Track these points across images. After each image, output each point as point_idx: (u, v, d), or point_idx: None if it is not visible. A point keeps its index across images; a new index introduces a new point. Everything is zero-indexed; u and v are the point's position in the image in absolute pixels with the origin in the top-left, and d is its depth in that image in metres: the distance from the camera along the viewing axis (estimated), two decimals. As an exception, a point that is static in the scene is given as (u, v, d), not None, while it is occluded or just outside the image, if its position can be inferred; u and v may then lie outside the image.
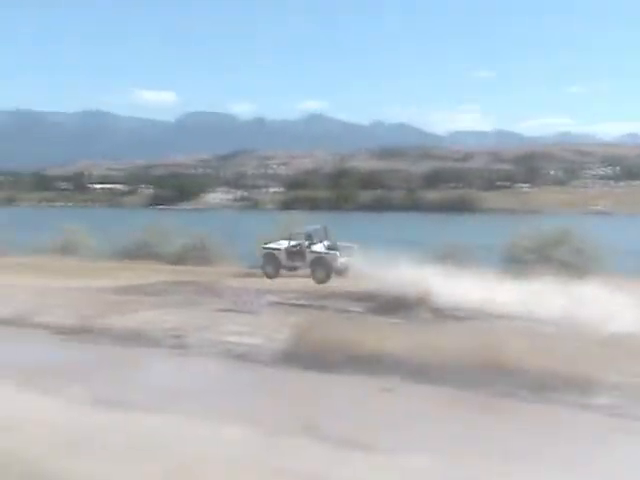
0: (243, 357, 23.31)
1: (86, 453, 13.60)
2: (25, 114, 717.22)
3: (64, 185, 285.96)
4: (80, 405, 17.68)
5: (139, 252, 54.87)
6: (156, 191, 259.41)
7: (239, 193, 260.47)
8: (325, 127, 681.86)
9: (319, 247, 35.35)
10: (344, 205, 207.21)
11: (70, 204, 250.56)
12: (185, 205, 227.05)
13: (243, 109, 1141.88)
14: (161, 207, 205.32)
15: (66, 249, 55.63)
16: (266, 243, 37.54)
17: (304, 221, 53.61)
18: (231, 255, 56.18)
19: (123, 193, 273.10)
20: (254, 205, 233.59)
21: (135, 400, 17.68)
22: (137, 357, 23.97)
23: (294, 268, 35.62)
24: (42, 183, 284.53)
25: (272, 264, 36.13)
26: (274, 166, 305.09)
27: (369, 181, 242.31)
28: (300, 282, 37.43)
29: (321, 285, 35.66)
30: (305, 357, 22.27)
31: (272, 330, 25.47)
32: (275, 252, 36.06)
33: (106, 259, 53.50)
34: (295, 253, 35.23)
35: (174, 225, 61.91)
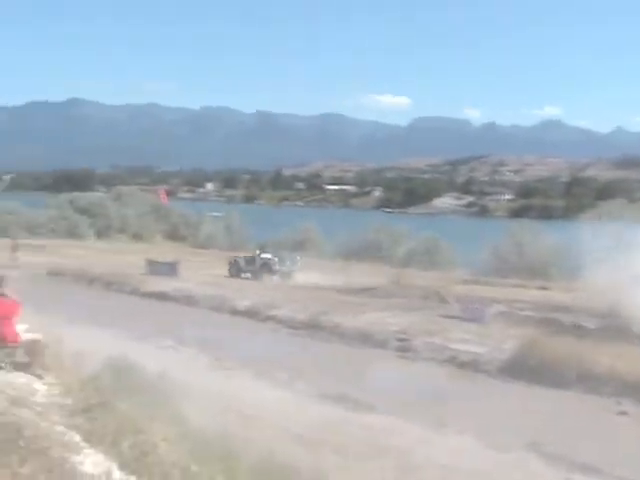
0: (468, 365, 23.00)
1: (317, 445, 13.93)
2: (265, 116, 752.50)
3: (299, 185, 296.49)
4: (308, 398, 18.23)
5: (367, 253, 55.85)
6: (386, 194, 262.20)
7: (468, 199, 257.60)
8: (561, 134, 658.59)
9: (266, 255, 42.99)
10: (579, 215, 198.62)
11: (303, 203, 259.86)
12: (413, 209, 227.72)
13: (476, 114, 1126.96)
14: (389, 210, 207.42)
15: (300, 246, 57.70)
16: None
17: (534, 229, 52.27)
18: (458, 261, 55.82)
19: (354, 194, 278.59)
20: (483, 212, 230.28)
21: (360, 398, 17.96)
22: (363, 357, 24.28)
23: (250, 271, 42.10)
24: (279, 183, 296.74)
25: (235, 268, 42.66)
26: (506, 173, 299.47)
27: (607, 191, 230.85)
28: (531, 293, 36.48)
29: (552, 297, 34.73)
30: (532, 370, 21.60)
31: (498, 340, 24.94)
32: (238, 260, 43.29)
33: (334, 258, 54.87)
34: (250, 261, 42.70)
35: (402, 228, 62.52)
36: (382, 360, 24.01)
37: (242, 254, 45.46)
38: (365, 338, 26.15)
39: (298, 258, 44.49)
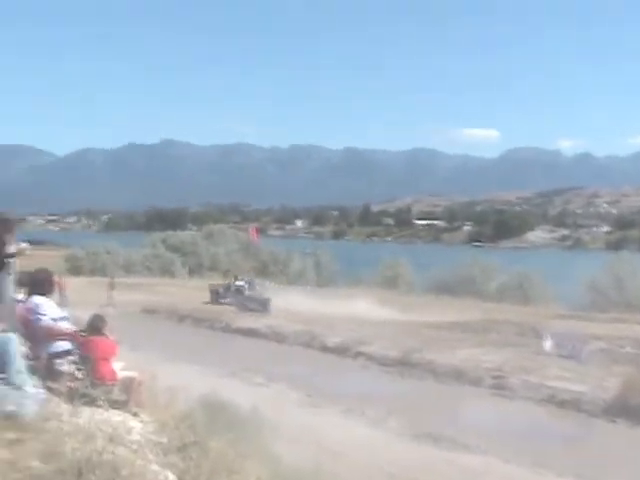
0: (567, 404, 22.21)
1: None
2: (353, 152, 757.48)
3: (388, 220, 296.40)
4: (400, 437, 17.95)
5: (458, 288, 55.16)
6: (476, 228, 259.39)
7: (562, 232, 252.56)
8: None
9: (239, 283, 46.75)
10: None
11: (391, 239, 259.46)
12: (505, 243, 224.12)
13: (568, 145, 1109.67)
14: (480, 244, 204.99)
15: (389, 282, 57.40)
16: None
17: (633, 262, 50.69)
18: (553, 295, 54.52)
19: (444, 229, 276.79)
20: (577, 244, 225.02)
21: (454, 438, 17.55)
22: (456, 395, 23.80)
23: (226, 297, 44.76)
24: (368, 218, 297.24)
25: (214, 296, 45.36)
26: (602, 204, 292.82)
27: None
28: (632, 328, 35.24)
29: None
30: (636, 411, 20.78)
31: (598, 378, 24.09)
32: (217, 288, 46.32)
33: (425, 293, 54.37)
34: (227, 288, 46.09)
35: (494, 263, 61.59)
36: (476, 398, 23.48)
37: (220, 282, 49.34)
38: (458, 375, 25.62)
39: (269, 284, 50.92)
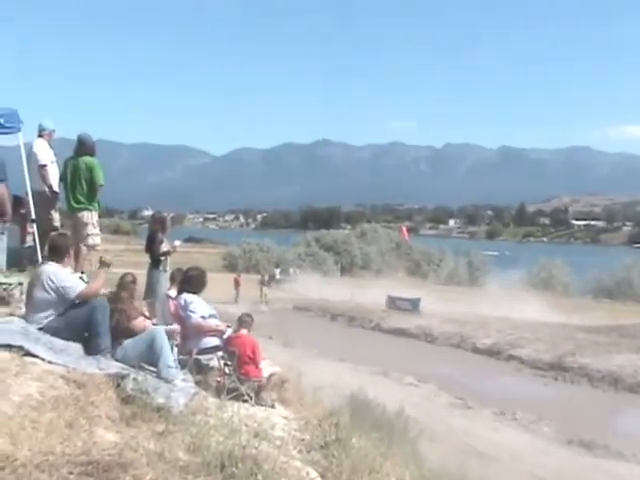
0: None
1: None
2: (508, 151, 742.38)
3: (544, 220, 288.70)
4: (552, 442, 17.50)
5: (617, 291, 53.08)
6: (637, 229, 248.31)
7: None
8: None
9: (277, 270, 62.77)
10: None
11: (547, 240, 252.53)
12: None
13: None
14: (639, 246, 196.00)
15: (544, 284, 55.93)
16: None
17: None
18: None
19: (602, 230, 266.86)
20: None
21: (609, 445, 16.93)
22: (611, 401, 22.98)
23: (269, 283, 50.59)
24: (523, 218, 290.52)
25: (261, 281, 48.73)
26: None
27: None
28: None
29: None
30: None
31: None
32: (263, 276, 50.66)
33: (582, 296, 52.67)
34: (270, 276, 54.08)
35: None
36: (634, 406, 22.57)
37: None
38: (615, 381, 24.70)
39: (294, 271, 64.20)
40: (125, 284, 7.17)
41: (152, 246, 9.90)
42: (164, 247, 9.86)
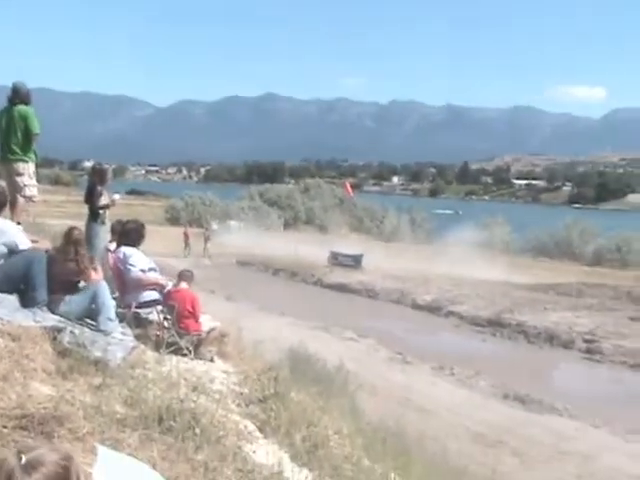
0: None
1: (494, 446, 13.64)
2: (454, 109, 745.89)
3: (487, 179, 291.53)
4: (489, 397, 17.89)
5: (556, 251, 54.09)
6: (577, 189, 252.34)
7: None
8: None
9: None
10: None
11: (489, 198, 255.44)
12: (605, 205, 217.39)
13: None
14: (579, 206, 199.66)
15: (486, 242, 56.71)
16: None
17: None
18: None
19: (543, 189, 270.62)
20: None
21: (544, 400, 17.36)
22: (547, 357, 23.58)
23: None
24: (466, 176, 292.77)
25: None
26: None
27: None
28: None
29: None
30: None
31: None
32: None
33: (521, 255, 53.51)
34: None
35: (592, 226, 59.98)
36: (567, 361, 23.21)
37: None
38: (550, 337, 25.29)
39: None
40: (75, 239, 6.99)
41: (91, 199, 9.77)
42: (103, 200, 9.73)
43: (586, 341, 24.50)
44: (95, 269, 7.09)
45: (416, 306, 31.63)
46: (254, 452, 5.12)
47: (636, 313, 28.82)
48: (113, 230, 9.08)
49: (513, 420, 15.81)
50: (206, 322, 8.13)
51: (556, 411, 16.70)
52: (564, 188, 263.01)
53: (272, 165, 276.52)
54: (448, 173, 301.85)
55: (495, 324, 27.46)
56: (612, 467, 13.12)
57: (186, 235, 45.32)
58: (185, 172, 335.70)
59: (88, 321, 6.55)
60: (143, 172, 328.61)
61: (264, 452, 5.18)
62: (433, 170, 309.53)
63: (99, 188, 9.81)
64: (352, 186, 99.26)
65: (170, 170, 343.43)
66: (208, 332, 7.99)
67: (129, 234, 8.17)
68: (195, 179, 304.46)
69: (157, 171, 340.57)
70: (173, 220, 69.86)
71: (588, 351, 23.83)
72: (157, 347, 6.81)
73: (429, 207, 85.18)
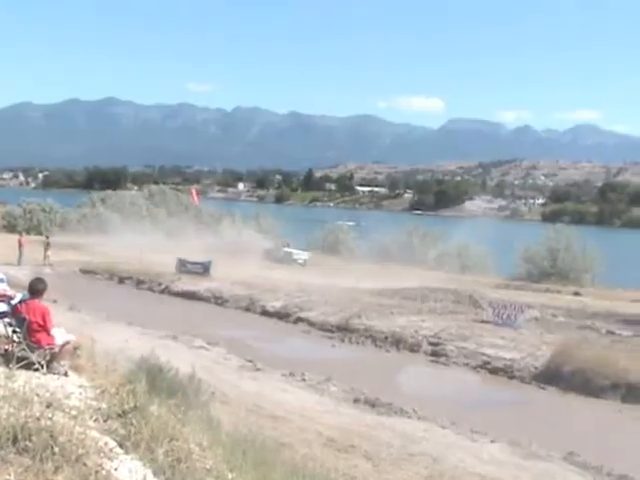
0: (501, 371, 22.71)
1: (349, 451, 13.75)
2: (298, 117, 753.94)
3: (331, 186, 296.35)
4: (340, 402, 18.06)
5: (399, 255, 55.53)
6: (417, 196, 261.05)
7: (500, 202, 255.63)
8: (596, 138, 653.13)
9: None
10: (611, 221, 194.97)
11: (333, 204, 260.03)
12: (444, 212, 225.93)
13: (510, 117, 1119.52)
14: (419, 212, 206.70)
15: (331, 248, 57.59)
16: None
17: (567, 235, 51.63)
18: (490, 265, 55.43)
19: (385, 196, 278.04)
20: (515, 215, 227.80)
21: (393, 403, 17.70)
22: (394, 361, 24.10)
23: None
24: (311, 183, 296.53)
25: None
26: (539, 177, 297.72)
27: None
28: (565, 299, 36.13)
29: (586, 303, 34.63)
30: (566, 378, 21.30)
31: (531, 346, 24.62)
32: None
33: (366, 260, 54.62)
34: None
35: (433, 231, 62.25)
36: (414, 364, 23.82)
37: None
38: (397, 342, 25.91)
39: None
40: None
41: None
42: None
43: (431, 344, 25.29)
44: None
45: (265, 313, 31.62)
46: (116, 469, 4.93)
47: (476, 316, 30.08)
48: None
49: (364, 423, 16.02)
50: (60, 335, 7.78)
51: (405, 413, 17.07)
52: (405, 195, 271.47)
53: (114, 171, 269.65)
54: (293, 180, 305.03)
55: (344, 329, 27.83)
56: (459, 466, 13.52)
57: (20, 243, 43.37)
58: (22, 177, 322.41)
59: None
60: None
61: (126, 469, 5.00)
62: (279, 177, 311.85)
63: None
64: (198, 192, 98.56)
65: (5, 175, 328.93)
66: (62, 346, 7.64)
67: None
68: (33, 185, 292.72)
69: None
70: (10, 227, 66.80)
71: (434, 354, 24.60)
72: (6, 362, 6.46)
73: (275, 213, 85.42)
